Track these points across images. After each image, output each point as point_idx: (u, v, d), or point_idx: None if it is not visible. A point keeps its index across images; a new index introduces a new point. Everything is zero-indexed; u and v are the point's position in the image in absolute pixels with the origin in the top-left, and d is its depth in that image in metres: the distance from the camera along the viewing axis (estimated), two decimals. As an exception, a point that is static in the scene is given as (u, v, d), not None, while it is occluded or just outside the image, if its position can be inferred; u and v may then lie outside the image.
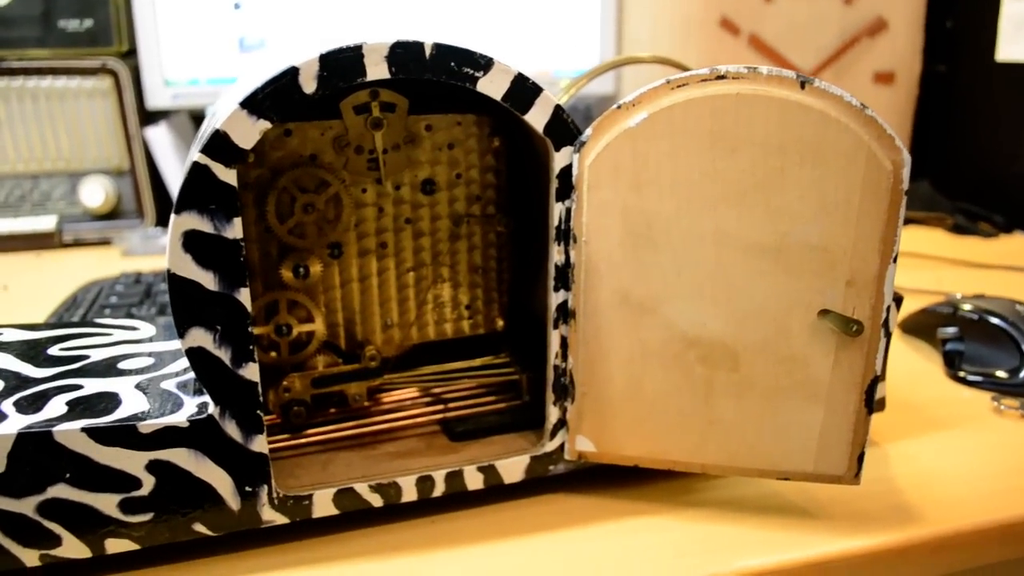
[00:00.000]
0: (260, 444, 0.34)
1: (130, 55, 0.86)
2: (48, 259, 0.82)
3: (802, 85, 0.33)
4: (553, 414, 0.38)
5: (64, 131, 0.85)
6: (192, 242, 0.31)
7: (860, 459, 0.36)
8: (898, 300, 0.43)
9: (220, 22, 0.85)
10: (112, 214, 0.87)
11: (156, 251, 0.82)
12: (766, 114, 0.33)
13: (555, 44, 0.95)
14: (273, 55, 0.87)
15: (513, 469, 0.38)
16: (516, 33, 0.93)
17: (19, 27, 0.83)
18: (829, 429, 0.36)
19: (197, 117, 0.96)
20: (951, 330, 0.56)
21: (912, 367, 0.55)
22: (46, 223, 0.85)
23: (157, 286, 0.63)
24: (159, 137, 0.86)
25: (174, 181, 0.87)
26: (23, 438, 0.32)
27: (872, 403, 0.35)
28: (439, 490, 0.37)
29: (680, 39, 0.94)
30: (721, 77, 0.33)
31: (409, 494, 0.36)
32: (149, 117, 0.87)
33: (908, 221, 0.95)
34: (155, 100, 0.86)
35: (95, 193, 0.85)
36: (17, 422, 0.32)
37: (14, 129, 0.84)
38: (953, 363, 0.54)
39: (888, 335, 0.42)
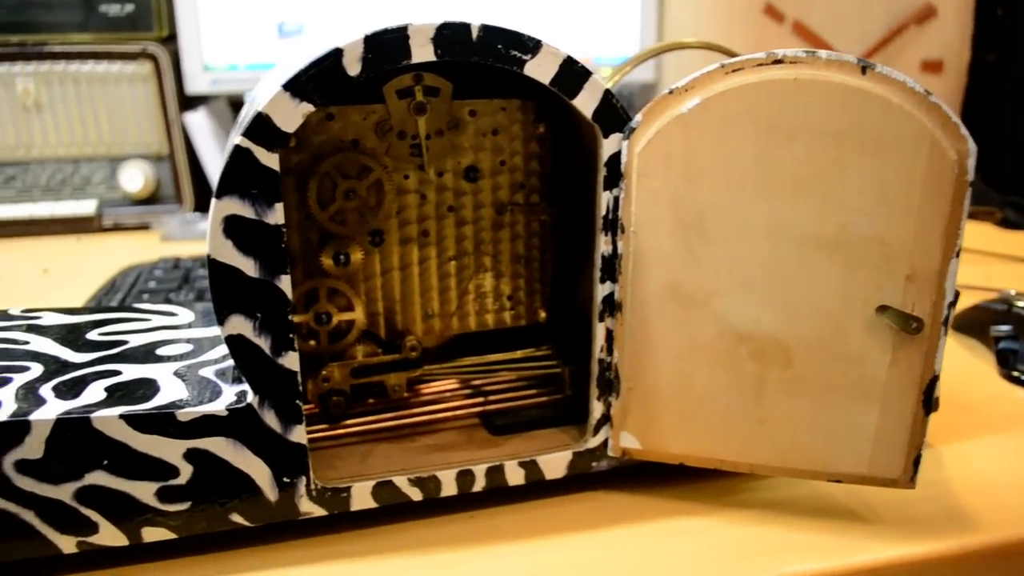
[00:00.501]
0: (299, 435, 0.33)
1: (170, 40, 0.86)
2: (88, 243, 0.82)
3: (863, 70, 0.31)
4: (597, 409, 0.37)
5: (104, 116, 0.85)
6: (233, 227, 0.31)
7: (916, 462, 0.34)
8: (955, 296, 0.42)
9: (259, 7, 0.85)
10: (151, 199, 0.87)
11: (194, 236, 0.82)
12: (824, 100, 0.31)
13: (595, 30, 0.93)
14: (313, 40, 0.87)
15: (555, 465, 0.37)
16: (556, 19, 0.92)
17: (61, 11, 0.83)
18: (884, 430, 0.34)
19: (236, 103, 0.96)
20: (1005, 328, 0.54)
21: (965, 366, 0.53)
22: (86, 207, 0.85)
23: (195, 271, 0.63)
24: (198, 122, 0.86)
25: (213, 166, 0.87)
26: (61, 424, 0.31)
27: (930, 403, 0.34)
28: (479, 485, 0.36)
29: (723, 25, 0.92)
30: (778, 61, 0.32)
31: (449, 488, 0.36)
32: (188, 102, 0.87)
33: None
34: (194, 85, 0.86)
35: (135, 178, 0.85)
36: (56, 407, 0.32)
37: (55, 113, 0.84)
38: (1007, 362, 0.52)
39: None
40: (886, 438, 0.34)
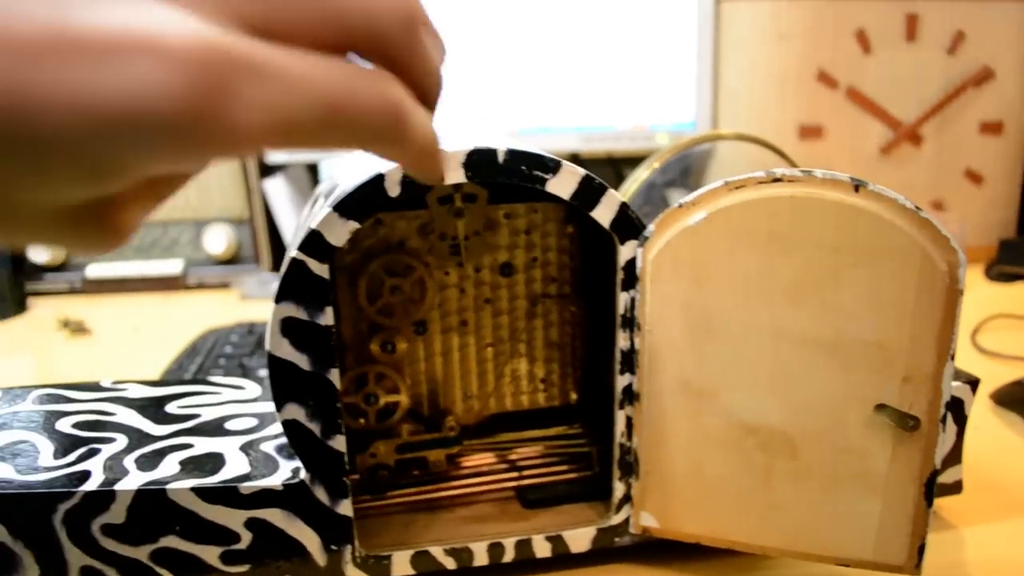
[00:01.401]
0: (345, 508, 0.37)
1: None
2: (174, 301, 0.89)
3: (856, 188, 0.34)
4: (619, 489, 0.40)
5: (192, 182, 0.92)
6: (289, 328, 0.35)
7: (920, 550, 0.36)
8: (974, 383, 0.44)
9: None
10: (232, 260, 0.94)
11: (270, 295, 0.88)
12: (820, 216, 0.34)
13: (652, 98, 0.97)
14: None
15: (580, 539, 0.40)
16: (613, 88, 0.96)
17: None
18: (887, 520, 0.36)
19: (312, 168, 1.02)
20: (1043, 405, 0.54)
21: (1001, 444, 0.54)
22: (173, 267, 0.92)
23: (267, 336, 0.68)
24: (276, 189, 0.92)
25: (288, 229, 0.93)
26: (141, 494, 0.36)
27: (932, 496, 0.36)
28: (509, 556, 0.39)
29: (776, 92, 0.94)
30: (777, 180, 0.35)
31: (480, 559, 0.39)
32: (267, 170, 0.94)
33: (1016, 277, 0.92)
34: (274, 155, 0.92)
35: (218, 240, 0.92)
36: (137, 479, 0.37)
37: (148, 181, 0.92)
38: (1043, 441, 0.53)
39: (962, 425, 0.43)
40: (889, 527, 0.36)
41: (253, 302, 0.87)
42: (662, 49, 0.96)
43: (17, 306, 0.87)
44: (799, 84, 0.93)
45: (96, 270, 0.91)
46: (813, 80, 0.93)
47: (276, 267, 0.94)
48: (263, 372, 0.62)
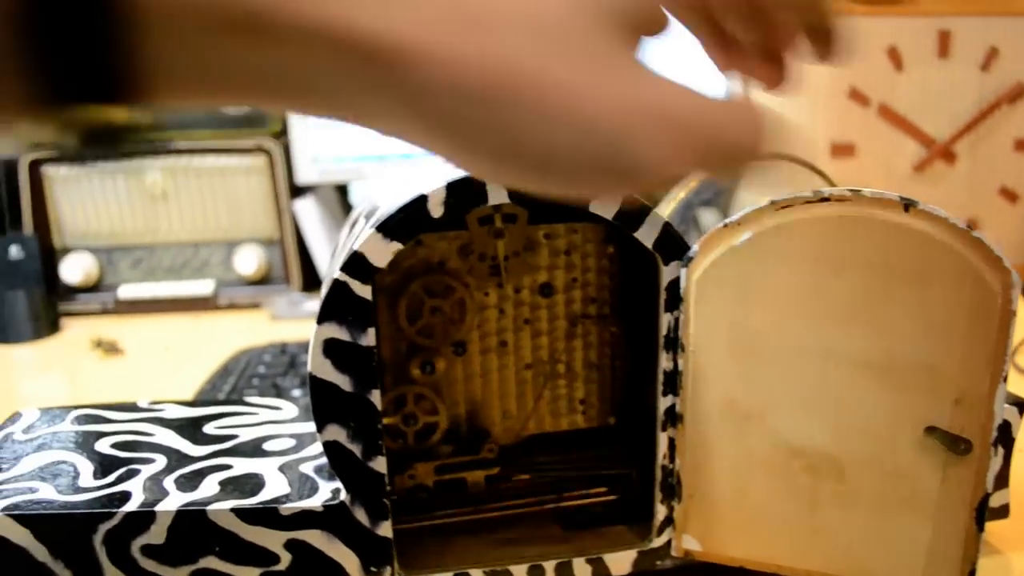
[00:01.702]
0: (385, 529, 0.37)
1: (282, 134, 0.93)
2: (205, 321, 0.89)
3: (906, 208, 0.33)
4: (661, 512, 0.39)
5: (222, 204, 0.93)
6: (331, 349, 0.35)
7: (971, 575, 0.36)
8: (1021, 405, 0.43)
9: (364, 103, 0.91)
10: (263, 280, 0.94)
11: (300, 315, 0.88)
12: (869, 236, 0.34)
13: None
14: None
15: (621, 562, 0.40)
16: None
17: (185, 112, 0.91)
18: (937, 544, 0.36)
19: (341, 189, 1.02)
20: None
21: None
22: (204, 287, 0.93)
23: (301, 357, 0.68)
24: (306, 209, 0.92)
25: (319, 250, 0.93)
26: (181, 515, 0.36)
27: (983, 520, 0.35)
28: (549, 579, 0.39)
29: (807, 110, 0.94)
30: (825, 199, 0.34)
31: (520, 582, 0.39)
32: (298, 190, 0.94)
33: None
34: (304, 176, 0.92)
35: (248, 260, 0.93)
36: (177, 499, 0.37)
37: (179, 202, 0.92)
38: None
39: (1009, 448, 0.42)
40: (939, 552, 0.36)
41: (284, 322, 0.87)
42: (689, 65, 0.95)
43: (51, 326, 0.88)
44: (830, 101, 0.92)
45: (128, 291, 0.92)
46: (845, 97, 0.92)
47: (307, 287, 0.94)
48: (297, 392, 0.62)
